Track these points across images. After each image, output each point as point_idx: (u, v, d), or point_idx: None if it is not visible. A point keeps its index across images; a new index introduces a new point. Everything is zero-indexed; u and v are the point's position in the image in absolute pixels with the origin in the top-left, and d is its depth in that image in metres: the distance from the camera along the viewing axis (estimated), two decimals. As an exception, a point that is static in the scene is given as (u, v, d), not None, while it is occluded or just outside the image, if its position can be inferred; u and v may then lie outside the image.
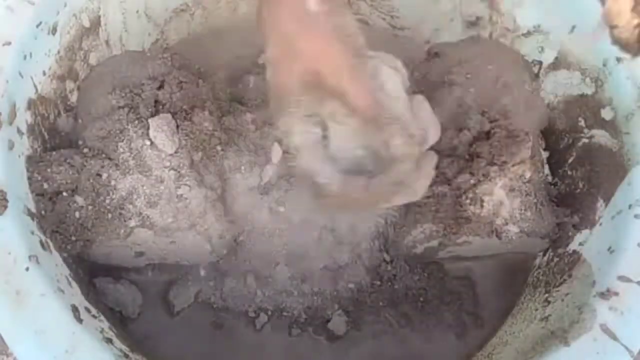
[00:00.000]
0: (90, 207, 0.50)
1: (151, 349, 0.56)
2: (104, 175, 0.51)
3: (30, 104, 0.52)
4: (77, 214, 0.50)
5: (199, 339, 0.57)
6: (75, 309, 0.46)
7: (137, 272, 0.58)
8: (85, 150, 0.52)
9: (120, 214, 0.50)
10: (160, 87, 0.54)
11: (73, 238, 0.50)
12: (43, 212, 0.50)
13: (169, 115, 0.53)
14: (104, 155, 0.51)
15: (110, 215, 0.50)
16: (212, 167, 0.54)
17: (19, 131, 0.50)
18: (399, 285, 0.59)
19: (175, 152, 0.52)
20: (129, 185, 0.51)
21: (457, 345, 0.59)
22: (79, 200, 0.51)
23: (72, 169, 0.51)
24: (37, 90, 0.53)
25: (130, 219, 0.50)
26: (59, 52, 0.56)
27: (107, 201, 0.51)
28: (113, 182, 0.51)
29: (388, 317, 0.59)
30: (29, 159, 0.51)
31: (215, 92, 0.60)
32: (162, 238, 0.52)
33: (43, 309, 0.44)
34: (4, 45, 0.50)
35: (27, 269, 0.44)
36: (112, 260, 0.55)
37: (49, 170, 0.50)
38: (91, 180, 0.51)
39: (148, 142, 0.52)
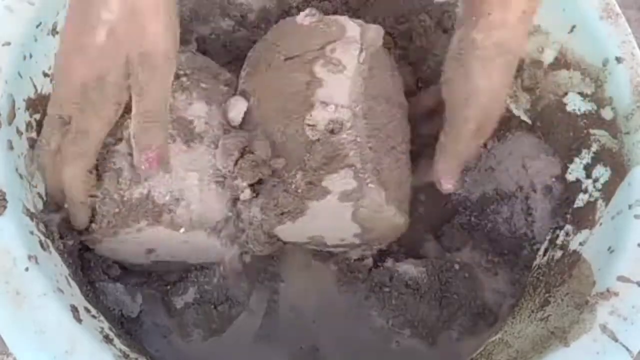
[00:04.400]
0: (108, 202, 0.51)
1: (151, 348, 0.56)
2: (125, 172, 0.51)
3: (30, 105, 0.52)
4: (96, 207, 0.51)
5: (200, 339, 0.57)
6: (74, 309, 0.46)
7: (137, 272, 0.58)
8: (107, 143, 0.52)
9: (138, 210, 0.51)
10: (182, 86, 0.55)
11: (91, 227, 0.51)
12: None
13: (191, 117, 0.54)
14: (126, 152, 0.52)
15: (126, 212, 0.51)
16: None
17: (18, 131, 0.50)
18: (399, 285, 0.59)
19: (197, 153, 0.53)
20: (150, 183, 0.51)
21: (457, 345, 0.59)
22: (98, 194, 0.51)
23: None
24: (36, 90, 0.53)
25: (148, 215, 0.51)
26: (58, 52, 0.56)
27: (127, 197, 0.51)
28: (132, 177, 0.51)
29: (387, 318, 0.59)
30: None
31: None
32: (176, 237, 0.52)
33: (43, 309, 0.44)
34: (3, 45, 0.50)
35: (26, 269, 0.45)
36: (119, 255, 0.55)
37: None
38: (112, 176, 0.51)
39: (170, 142, 0.52)
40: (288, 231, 0.54)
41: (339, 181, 0.51)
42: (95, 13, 0.44)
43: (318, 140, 0.52)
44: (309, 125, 0.52)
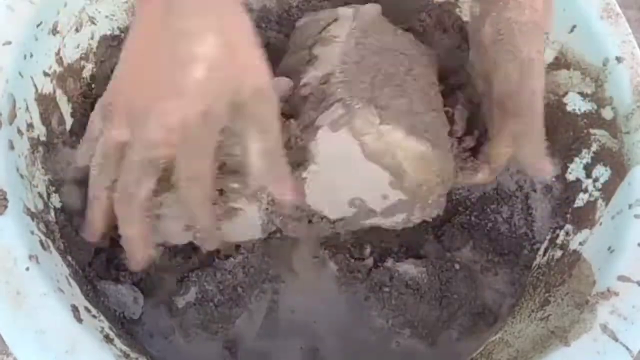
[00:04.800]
0: None
1: (152, 349, 0.56)
2: None
3: (31, 104, 0.52)
4: None
5: (201, 340, 0.57)
6: (75, 309, 0.46)
7: (137, 273, 0.58)
8: None
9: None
10: None
11: None
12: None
13: None
14: None
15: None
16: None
17: (19, 131, 0.50)
18: (399, 285, 0.59)
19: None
20: None
21: (457, 345, 0.59)
22: None
23: None
24: (37, 90, 0.53)
25: None
26: (59, 51, 0.56)
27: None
28: None
29: (387, 318, 0.59)
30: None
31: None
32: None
33: (43, 309, 0.44)
34: (4, 44, 0.50)
35: (27, 268, 0.44)
36: (155, 233, 0.52)
37: None
38: None
39: None
40: (322, 197, 0.52)
41: (329, 115, 0.50)
42: (185, 49, 0.40)
43: (311, 93, 0.52)
44: (302, 86, 0.53)
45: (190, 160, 0.43)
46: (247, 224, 0.53)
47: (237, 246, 0.60)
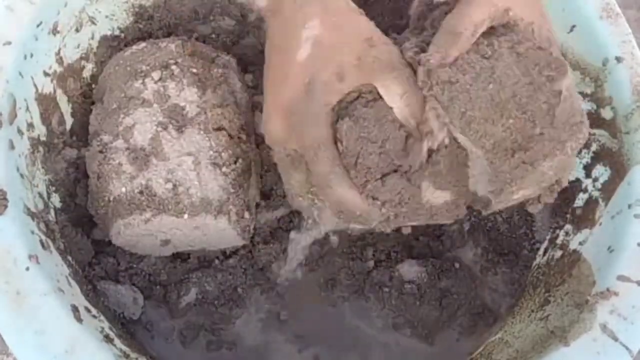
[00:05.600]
0: (109, 197, 0.52)
1: (152, 349, 0.56)
2: (124, 167, 0.52)
3: (31, 104, 0.52)
4: (101, 202, 0.52)
5: (201, 340, 0.57)
6: (75, 309, 0.46)
7: (137, 273, 0.58)
8: (104, 139, 0.53)
9: (140, 201, 0.51)
10: (172, 74, 0.55)
11: (100, 225, 0.53)
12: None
13: (180, 103, 0.54)
14: (124, 147, 0.52)
15: (128, 204, 0.51)
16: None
17: (19, 131, 0.50)
18: (399, 285, 0.59)
19: (191, 138, 0.53)
20: (146, 174, 0.52)
21: (457, 345, 0.59)
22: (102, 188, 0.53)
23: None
24: (37, 90, 0.53)
25: (151, 206, 0.51)
26: (59, 51, 0.56)
27: (126, 189, 0.51)
28: (131, 170, 0.52)
29: (387, 318, 0.59)
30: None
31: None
32: (184, 223, 0.52)
33: (43, 309, 0.44)
34: (4, 45, 0.50)
35: (27, 268, 0.44)
36: (139, 250, 0.56)
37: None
38: (114, 171, 0.52)
39: (161, 129, 0.52)
40: None
41: None
42: (296, 36, 0.45)
43: None
44: None
45: (303, 130, 0.44)
46: (216, 231, 0.54)
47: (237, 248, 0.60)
